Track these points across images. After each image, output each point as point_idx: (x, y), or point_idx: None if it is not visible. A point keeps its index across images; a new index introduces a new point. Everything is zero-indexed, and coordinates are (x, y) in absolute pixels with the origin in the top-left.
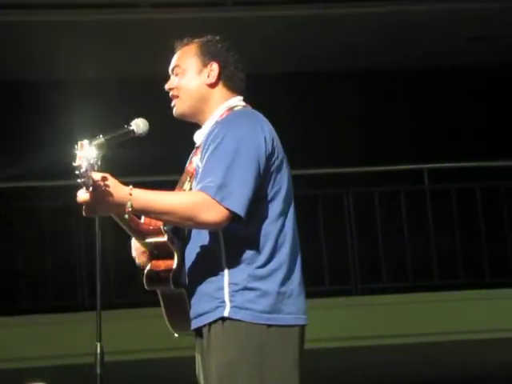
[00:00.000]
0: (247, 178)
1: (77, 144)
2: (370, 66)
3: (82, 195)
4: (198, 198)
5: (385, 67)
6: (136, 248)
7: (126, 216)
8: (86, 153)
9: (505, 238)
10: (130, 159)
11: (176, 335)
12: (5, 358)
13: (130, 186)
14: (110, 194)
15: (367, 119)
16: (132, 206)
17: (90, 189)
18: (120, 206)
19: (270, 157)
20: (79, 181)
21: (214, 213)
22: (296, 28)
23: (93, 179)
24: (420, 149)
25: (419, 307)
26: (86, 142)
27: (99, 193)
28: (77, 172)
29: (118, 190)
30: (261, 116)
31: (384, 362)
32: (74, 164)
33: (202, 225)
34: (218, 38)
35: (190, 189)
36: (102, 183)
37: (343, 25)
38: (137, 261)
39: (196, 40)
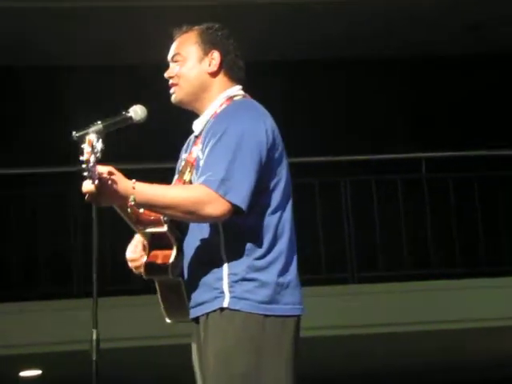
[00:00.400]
0: (249, 171)
1: (84, 139)
2: (365, 53)
3: (87, 186)
4: (200, 192)
5: (381, 55)
6: (133, 250)
7: (129, 210)
8: (94, 147)
9: (501, 227)
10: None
11: (168, 321)
12: (0, 345)
13: (133, 180)
14: (115, 188)
15: (365, 107)
16: (135, 200)
17: (96, 182)
18: (123, 199)
19: (271, 149)
20: (85, 174)
21: (217, 206)
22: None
23: (99, 173)
24: (418, 138)
25: (416, 296)
26: (93, 136)
27: (104, 186)
28: (84, 166)
29: (122, 183)
30: (262, 108)
31: (381, 350)
32: (82, 158)
33: (204, 218)
34: (217, 25)
35: (191, 179)
36: (107, 177)
37: (338, 13)
38: (130, 264)
39: (195, 27)
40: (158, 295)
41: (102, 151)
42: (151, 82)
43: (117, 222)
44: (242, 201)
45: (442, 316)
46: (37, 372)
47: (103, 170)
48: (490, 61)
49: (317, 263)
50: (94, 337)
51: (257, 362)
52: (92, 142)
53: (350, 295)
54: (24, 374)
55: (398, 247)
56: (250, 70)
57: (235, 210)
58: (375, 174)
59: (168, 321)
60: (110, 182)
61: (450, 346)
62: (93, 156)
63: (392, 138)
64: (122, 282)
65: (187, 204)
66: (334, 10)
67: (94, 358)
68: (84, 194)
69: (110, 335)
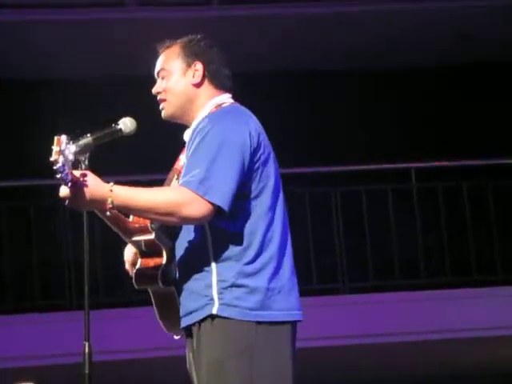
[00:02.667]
0: (231, 171)
1: (54, 139)
2: (359, 66)
3: (63, 190)
4: (179, 194)
5: (372, 67)
6: (128, 260)
7: (108, 213)
8: (63, 148)
9: (492, 236)
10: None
11: (176, 337)
12: None
13: (111, 183)
14: (89, 191)
15: (355, 118)
16: (113, 203)
17: (69, 184)
18: (101, 203)
19: (255, 152)
20: (57, 176)
21: (197, 207)
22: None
23: (71, 175)
24: (408, 148)
25: (408, 305)
26: (63, 137)
27: (78, 189)
28: (54, 167)
29: (98, 186)
30: (247, 111)
31: (372, 360)
32: (50, 159)
33: (185, 220)
34: (199, 36)
35: None
36: (80, 179)
37: (334, 25)
38: (130, 273)
39: (178, 41)
40: (154, 307)
41: (76, 154)
42: (141, 94)
43: (108, 235)
44: (222, 201)
45: (435, 325)
46: None
47: (77, 173)
48: (482, 70)
49: (308, 273)
50: (87, 350)
51: (250, 372)
52: (60, 142)
53: (342, 306)
54: None
55: (389, 257)
56: (247, 80)
57: (217, 210)
58: (365, 185)
59: (176, 337)
60: (83, 184)
61: (444, 356)
62: (61, 157)
63: (382, 148)
64: (115, 294)
65: (166, 205)
66: (334, 22)
67: (87, 371)
68: (63, 200)
69: (103, 348)
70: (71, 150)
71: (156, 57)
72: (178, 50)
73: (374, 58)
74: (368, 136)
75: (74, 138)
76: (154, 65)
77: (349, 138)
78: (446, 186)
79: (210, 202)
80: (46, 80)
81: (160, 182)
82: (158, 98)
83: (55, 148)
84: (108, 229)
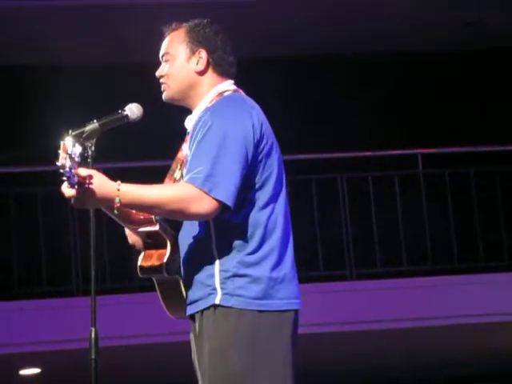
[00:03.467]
0: (235, 166)
1: (60, 143)
2: (362, 49)
3: (67, 191)
4: (185, 191)
5: (377, 50)
6: (129, 233)
7: (116, 212)
8: (70, 152)
9: (499, 222)
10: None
11: (171, 316)
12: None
13: (118, 182)
14: (96, 191)
15: (362, 104)
16: (120, 202)
17: (75, 187)
18: (108, 202)
19: (258, 143)
20: (63, 179)
21: (203, 205)
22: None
23: (78, 176)
24: (415, 134)
25: (414, 292)
26: (68, 140)
27: (84, 190)
28: (61, 171)
29: (106, 186)
30: (249, 101)
31: (379, 347)
32: (57, 163)
33: (191, 217)
34: (205, 21)
35: (181, 177)
36: (87, 181)
37: (337, 8)
38: (130, 240)
39: (184, 24)
40: (158, 294)
41: (82, 155)
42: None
43: (114, 221)
44: (227, 197)
45: (441, 311)
46: (36, 370)
47: (83, 173)
48: (487, 56)
49: (315, 260)
50: (93, 335)
51: (252, 360)
52: (66, 147)
53: (348, 292)
54: (24, 372)
55: (395, 243)
56: (248, 66)
57: (223, 206)
58: (372, 171)
59: (171, 316)
60: (89, 185)
61: (449, 341)
62: (68, 160)
63: (388, 134)
64: (121, 279)
65: (172, 203)
66: (334, 5)
67: (93, 356)
68: (68, 199)
69: (110, 333)
70: (77, 152)
71: (161, 40)
72: (183, 34)
73: (381, 42)
74: (375, 122)
75: (78, 136)
76: (156, 49)
77: (356, 124)
78: (453, 172)
79: (215, 199)
80: (52, 66)
81: (160, 169)
82: (161, 81)
83: (61, 154)
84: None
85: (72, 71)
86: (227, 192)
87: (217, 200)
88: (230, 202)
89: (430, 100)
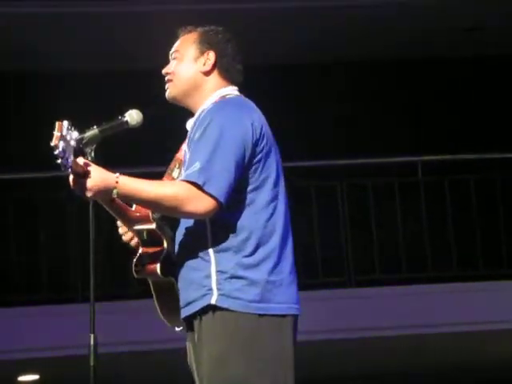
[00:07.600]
0: (230, 163)
1: (55, 124)
2: (362, 55)
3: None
4: (183, 189)
5: (378, 57)
6: (121, 225)
7: (115, 195)
8: (65, 133)
9: (499, 230)
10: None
11: (177, 329)
12: None
13: (117, 174)
14: (95, 179)
15: (362, 111)
16: (118, 193)
17: (70, 170)
18: (106, 193)
19: (257, 142)
20: (58, 161)
21: (200, 204)
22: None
23: (74, 162)
24: (415, 141)
25: (413, 299)
26: (65, 122)
27: (80, 175)
28: (54, 152)
29: (104, 176)
30: (251, 103)
31: (378, 353)
32: (51, 144)
33: (187, 215)
34: (220, 28)
35: (179, 176)
36: (83, 168)
37: (339, 14)
38: (124, 238)
39: (199, 28)
40: (154, 299)
41: (78, 141)
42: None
43: (114, 227)
44: (219, 193)
45: (440, 319)
46: (35, 377)
47: (80, 160)
48: (493, 63)
49: (314, 267)
50: (92, 342)
51: (252, 365)
52: (61, 127)
53: (348, 299)
54: (22, 378)
55: (395, 250)
56: (248, 72)
57: (219, 206)
58: (372, 178)
59: (176, 329)
60: (86, 170)
61: (447, 348)
62: (62, 142)
63: (388, 141)
64: (120, 286)
65: (170, 201)
66: (334, 8)
67: (92, 363)
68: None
69: (108, 340)
70: (73, 136)
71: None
72: (195, 36)
73: (380, 49)
74: (374, 129)
75: (78, 142)
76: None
77: (355, 132)
78: (453, 180)
79: (212, 197)
80: (51, 73)
81: (159, 175)
82: (166, 78)
83: (56, 133)
84: (115, 221)
85: (72, 78)
86: (220, 188)
87: (213, 198)
88: (222, 198)
89: (431, 107)
